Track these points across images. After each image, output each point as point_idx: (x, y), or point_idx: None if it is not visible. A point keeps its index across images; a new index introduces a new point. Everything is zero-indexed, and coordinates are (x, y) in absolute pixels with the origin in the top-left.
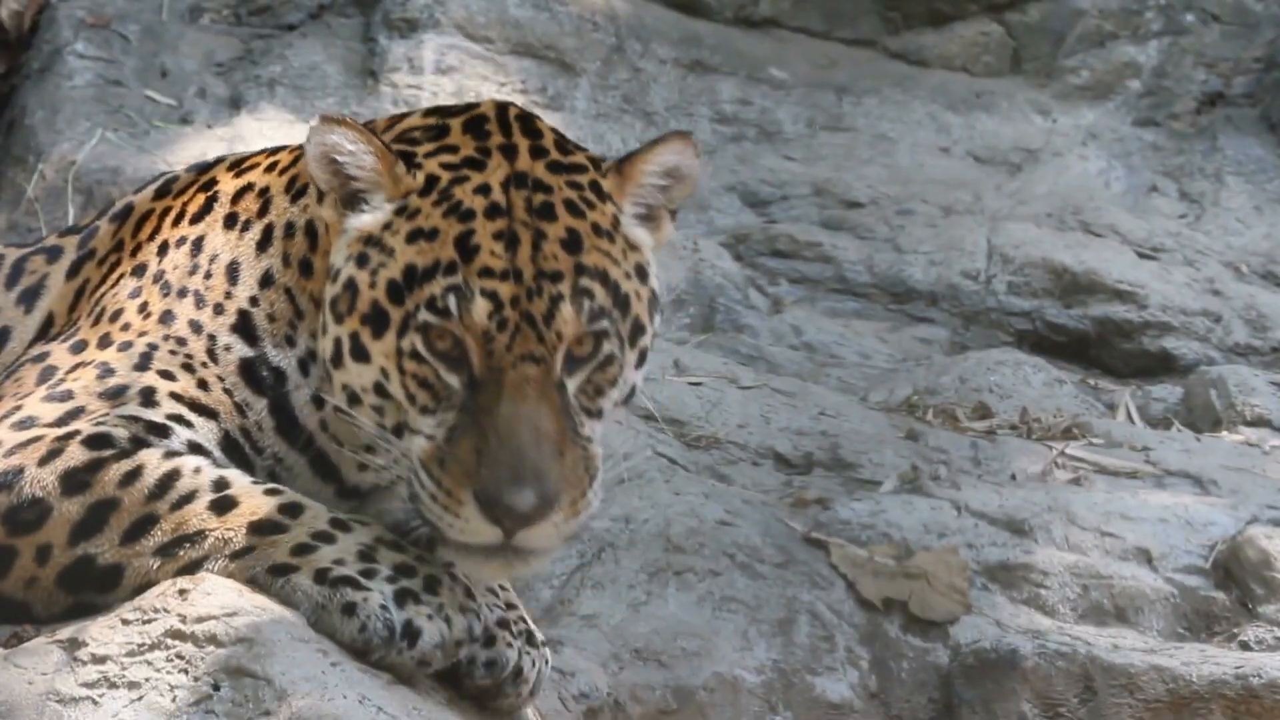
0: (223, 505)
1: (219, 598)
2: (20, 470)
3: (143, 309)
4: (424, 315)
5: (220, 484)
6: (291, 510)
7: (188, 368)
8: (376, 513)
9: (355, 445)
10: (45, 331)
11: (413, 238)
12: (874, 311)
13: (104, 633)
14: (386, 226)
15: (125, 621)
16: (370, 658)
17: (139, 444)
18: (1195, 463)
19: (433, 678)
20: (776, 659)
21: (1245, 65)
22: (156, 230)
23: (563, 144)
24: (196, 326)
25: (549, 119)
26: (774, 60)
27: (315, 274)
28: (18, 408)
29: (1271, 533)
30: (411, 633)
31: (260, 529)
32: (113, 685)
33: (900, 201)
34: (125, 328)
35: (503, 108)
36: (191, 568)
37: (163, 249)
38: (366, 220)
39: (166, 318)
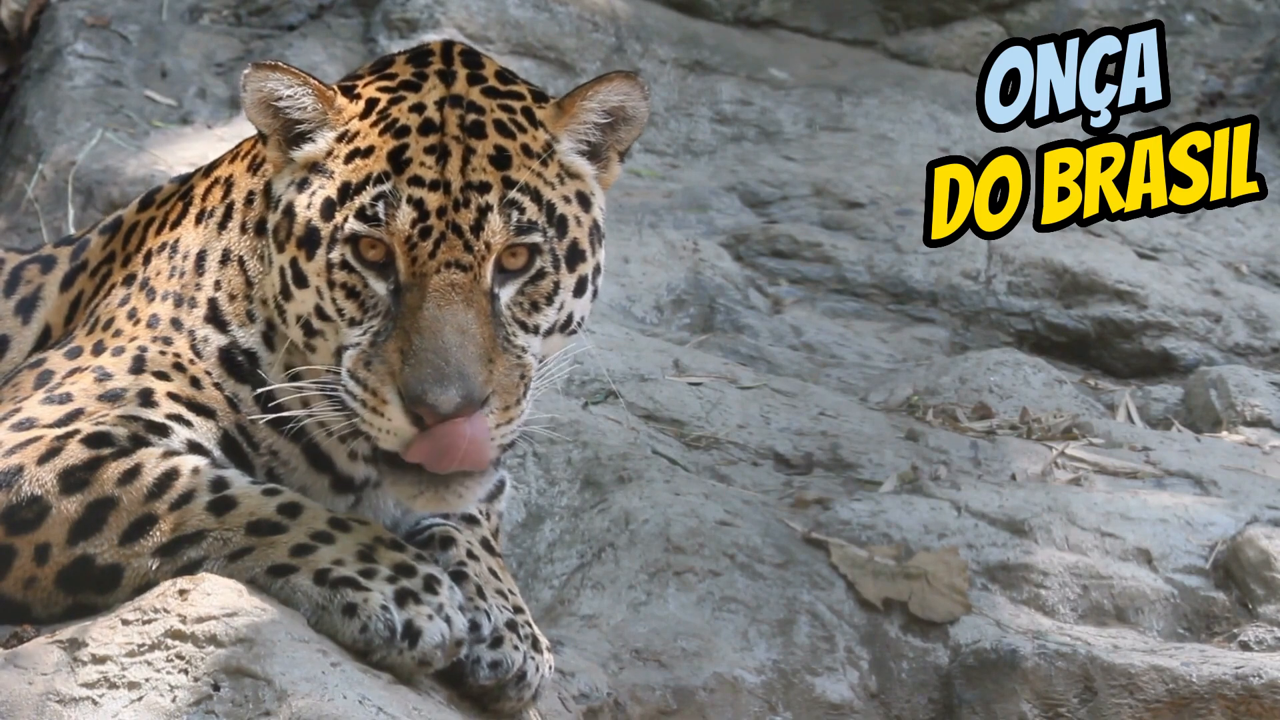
0: (221, 505)
1: (219, 598)
2: (20, 469)
3: (132, 315)
4: (352, 225)
5: (219, 484)
6: (290, 510)
7: (179, 367)
8: (372, 508)
9: (324, 405)
10: (43, 344)
11: (350, 158)
12: (874, 312)
13: (104, 633)
14: (329, 154)
15: (125, 622)
16: (372, 658)
17: (138, 443)
18: (1195, 463)
19: (434, 677)
20: (776, 659)
21: (1245, 65)
22: (142, 241)
23: (504, 75)
24: (178, 324)
25: None
26: (774, 60)
27: (268, 230)
28: (16, 410)
29: (1271, 533)
30: (413, 633)
31: (259, 529)
32: (113, 685)
33: (900, 202)
34: (118, 334)
35: (449, 44)
36: (190, 568)
37: (147, 257)
38: (310, 149)
39: (153, 321)
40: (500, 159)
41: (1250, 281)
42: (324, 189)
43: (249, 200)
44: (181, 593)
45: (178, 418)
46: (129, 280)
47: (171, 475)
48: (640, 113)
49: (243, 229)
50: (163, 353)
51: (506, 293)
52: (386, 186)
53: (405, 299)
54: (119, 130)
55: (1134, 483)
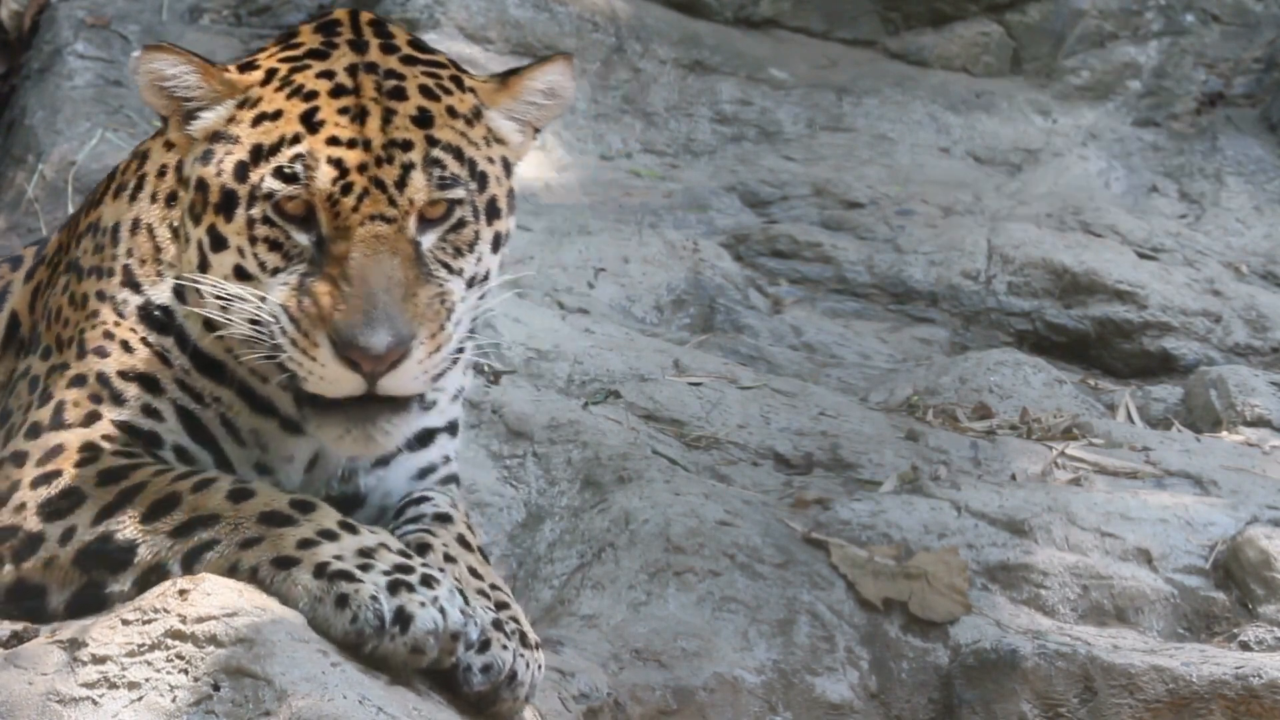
0: (240, 495)
1: (219, 598)
2: (59, 473)
3: (72, 300)
4: (269, 183)
5: (240, 479)
6: (303, 507)
7: (108, 335)
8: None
9: (248, 355)
10: (13, 330)
11: (257, 121)
12: (874, 312)
13: (104, 633)
14: (230, 120)
15: (125, 622)
16: (364, 649)
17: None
18: (1195, 463)
19: (431, 682)
20: (776, 659)
21: (1245, 65)
22: (78, 225)
23: (419, 44)
24: (101, 296)
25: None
26: (774, 60)
27: (178, 202)
28: (25, 419)
29: (1271, 533)
30: (403, 618)
31: (270, 519)
32: (113, 685)
33: (900, 202)
34: (65, 323)
35: (355, 12)
36: (201, 549)
37: (79, 239)
38: (207, 119)
39: (84, 300)
40: (423, 119)
41: (1250, 281)
42: (232, 154)
43: (161, 173)
44: (182, 593)
45: (148, 409)
46: (69, 266)
47: (198, 469)
48: (568, 92)
49: (152, 198)
50: (94, 326)
51: (429, 239)
52: (302, 148)
53: (330, 249)
54: (119, 130)
55: (1134, 483)
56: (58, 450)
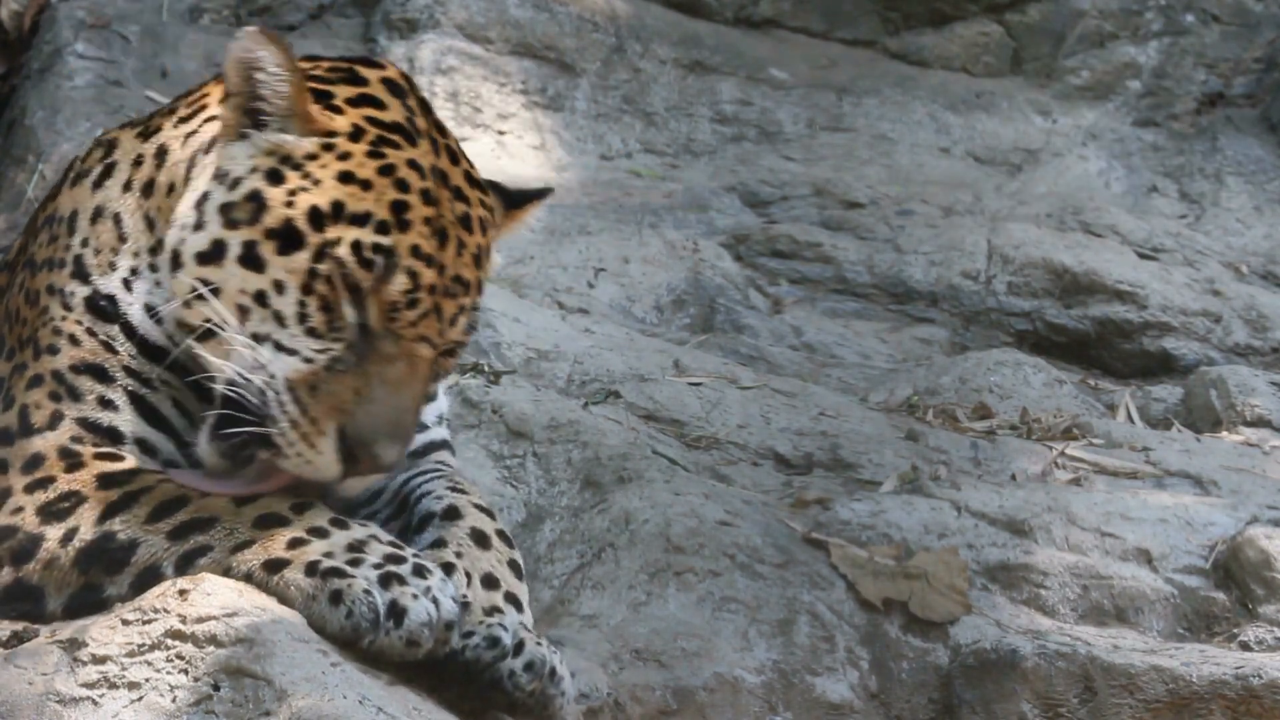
0: (241, 499)
1: (219, 598)
2: (52, 478)
3: (28, 298)
4: (345, 254)
5: None
6: (298, 508)
7: (57, 331)
8: None
9: (186, 334)
10: None
11: (344, 178)
12: (874, 312)
13: (104, 633)
14: (311, 156)
15: (125, 622)
16: (361, 644)
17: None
18: (1195, 463)
19: (475, 694)
20: (776, 659)
21: (1245, 65)
22: (34, 222)
23: (470, 162)
24: (51, 290)
25: (549, 119)
26: (774, 61)
27: (156, 190)
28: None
29: (1271, 533)
30: (397, 612)
31: (264, 522)
32: (113, 685)
33: (900, 202)
34: (24, 323)
35: (411, 82)
36: (195, 554)
37: (35, 234)
38: (285, 140)
39: (36, 297)
40: (478, 261)
41: (1250, 281)
42: (309, 194)
43: (137, 161)
44: (181, 593)
45: (102, 400)
46: (27, 263)
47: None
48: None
49: (125, 187)
50: (44, 324)
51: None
52: (387, 240)
53: (377, 345)
54: None
55: (1134, 483)
56: (39, 459)
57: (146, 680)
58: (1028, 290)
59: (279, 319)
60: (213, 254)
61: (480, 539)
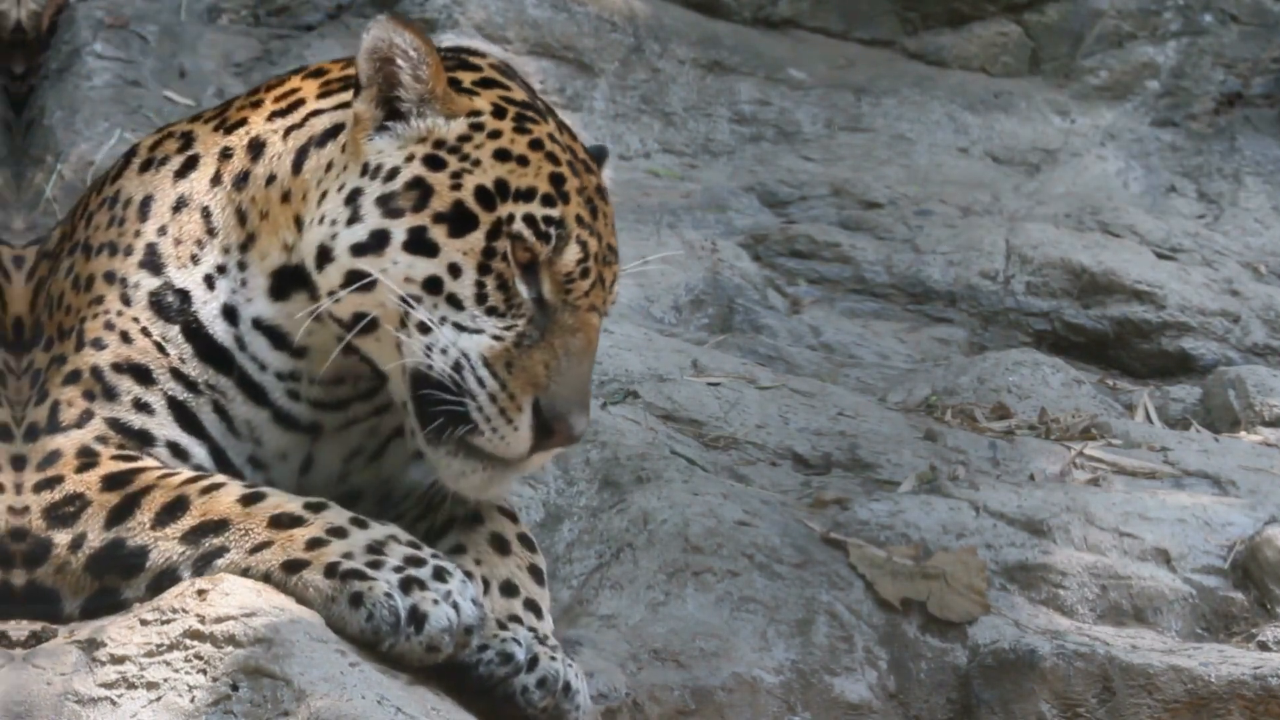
0: (251, 498)
1: (237, 598)
2: (60, 478)
3: (75, 284)
4: (519, 227)
5: (251, 482)
6: (314, 507)
7: (109, 325)
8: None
9: (326, 347)
10: (19, 329)
11: (501, 156)
12: (892, 312)
13: (122, 633)
14: (464, 138)
15: (144, 622)
16: (381, 647)
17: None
18: (1213, 463)
19: (490, 714)
20: (795, 659)
21: (1264, 65)
22: (85, 207)
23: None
24: (110, 277)
25: (567, 119)
26: (792, 61)
27: (251, 182)
28: (25, 419)
29: None
30: (418, 617)
31: (280, 522)
32: (131, 686)
33: (919, 202)
34: (67, 310)
35: (506, 64)
36: (212, 555)
37: (88, 219)
38: (436, 125)
39: (89, 283)
40: (614, 226)
41: (1269, 281)
42: (472, 175)
43: (225, 154)
44: (200, 593)
45: (139, 403)
46: (74, 248)
47: (206, 474)
48: None
49: (214, 180)
50: (95, 315)
51: None
52: (556, 213)
53: (557, 318)
54: (137, 130)
55: (1152, 483)
56: (55, 456)
57: (165, 680)
58: (1046, 290)
59: (453, 301)
60: (372, 244)
61: (500, 544)
